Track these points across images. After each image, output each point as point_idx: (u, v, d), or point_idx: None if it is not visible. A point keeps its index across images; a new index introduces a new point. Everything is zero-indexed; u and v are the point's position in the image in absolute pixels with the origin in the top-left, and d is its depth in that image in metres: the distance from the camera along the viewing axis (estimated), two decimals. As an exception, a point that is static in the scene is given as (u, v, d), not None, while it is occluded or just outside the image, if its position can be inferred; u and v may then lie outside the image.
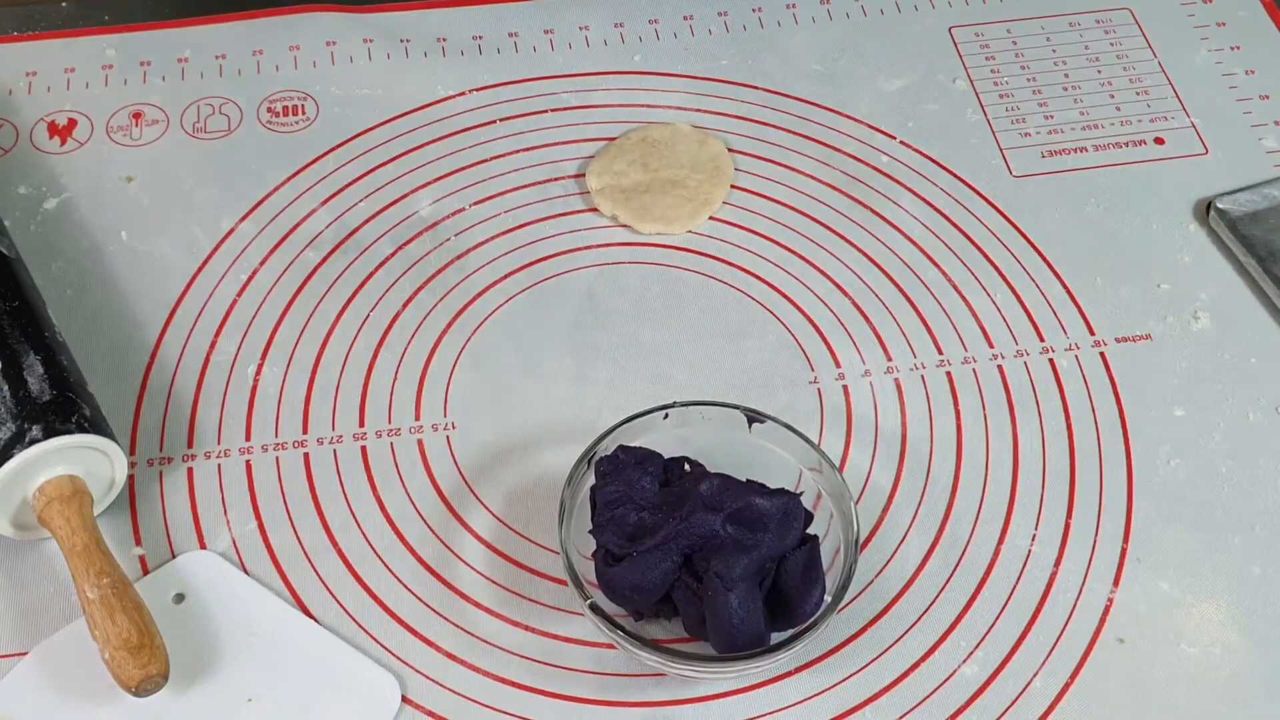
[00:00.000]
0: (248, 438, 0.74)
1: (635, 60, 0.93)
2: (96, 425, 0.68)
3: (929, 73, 0.92)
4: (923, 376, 0.77)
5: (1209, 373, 0.78)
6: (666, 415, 0.69)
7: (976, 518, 0.72)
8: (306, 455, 0.74)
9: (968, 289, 0.81)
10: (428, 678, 0.66)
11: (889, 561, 0.70)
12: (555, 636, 0.68)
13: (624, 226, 0.84)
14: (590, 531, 0.66)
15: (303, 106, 0.89)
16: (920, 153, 0.88)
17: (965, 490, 0.73)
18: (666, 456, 0.68)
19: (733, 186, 0.86)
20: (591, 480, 0.67)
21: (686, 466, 0.68)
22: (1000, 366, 0.78)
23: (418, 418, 0.75)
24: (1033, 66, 0.93)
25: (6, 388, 0.68)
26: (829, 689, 0.66)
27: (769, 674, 0.66)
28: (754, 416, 0.69)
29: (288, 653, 0.66)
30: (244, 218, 0.83)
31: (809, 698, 0.66)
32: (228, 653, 0.66)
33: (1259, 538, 0.71)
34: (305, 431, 0.75)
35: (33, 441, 0.66)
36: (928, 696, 0.66)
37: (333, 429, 0.75)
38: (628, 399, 0.76)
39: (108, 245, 0.82)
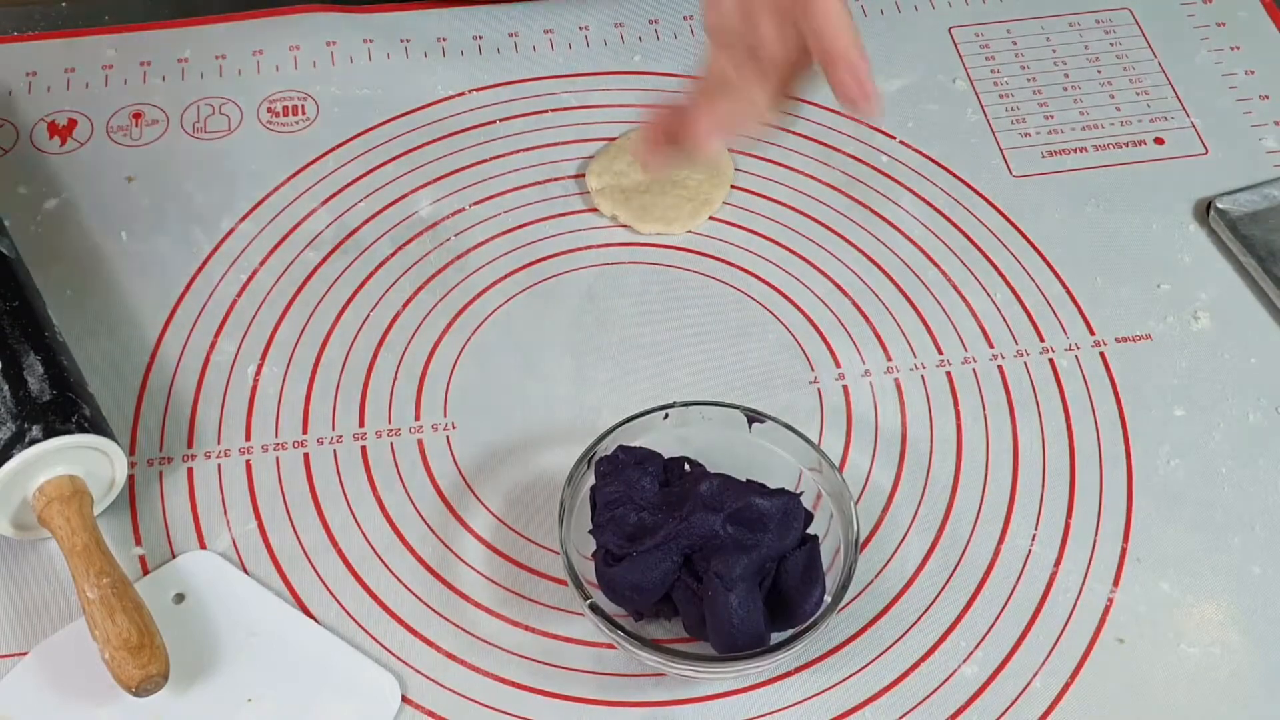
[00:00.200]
0: (248, 438, 0.74)
1: (635, 60, 0.93)
2: (96, 425, 0.68)
3: (929, 73, 0.92)
4: (923, 376, 0.77)
5: (1209, 373, 0.78)
6: (666, 415, 0.69)
7: (976, 518, 0.72)
8: (306, 455, 0.74)
9: (968, 289, 0.81)
10: (428, 678, 0.66)
11: (889, 561, 0.70)
12: (555, 636, 0.68)
13: (624, 226, 0.84)
14: (590, 531, 0.66)
15: (303, 106, 0.89)
16: (920, 153, 0.88)
17: (965, 490, 0.73)
18: (666, 456, 0.68)
19: (733, 186, 0.86)
20: (591, 480, 0.67)
21: (686, 467, 0.68)
22: (1000, 366, 0.78)
23: (418, 418, 0.75)
24: (1033, 66, 0.93)
25: (6, 388, 0.68)
26: (829, 689, 0.66)
27: (769, 674, 0.66)
28: (754, 416, 0.69)
29: (288, 653, 0.66)
30: (244, 218, 0.83)
31: (809, 698, 0.66)
32: (228, 653, 0.66)
33: (1259, 538, 0.71)
34: (305, 431, 0.75)
35: (33, 441, 0.66)
36: (928, 696, 0.66)
37: (333, 429, 0.75)
38: (628, 399, 0.76)
39: (108, 245, 0.82)
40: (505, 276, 0.81)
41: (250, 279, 0.81)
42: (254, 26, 0.93)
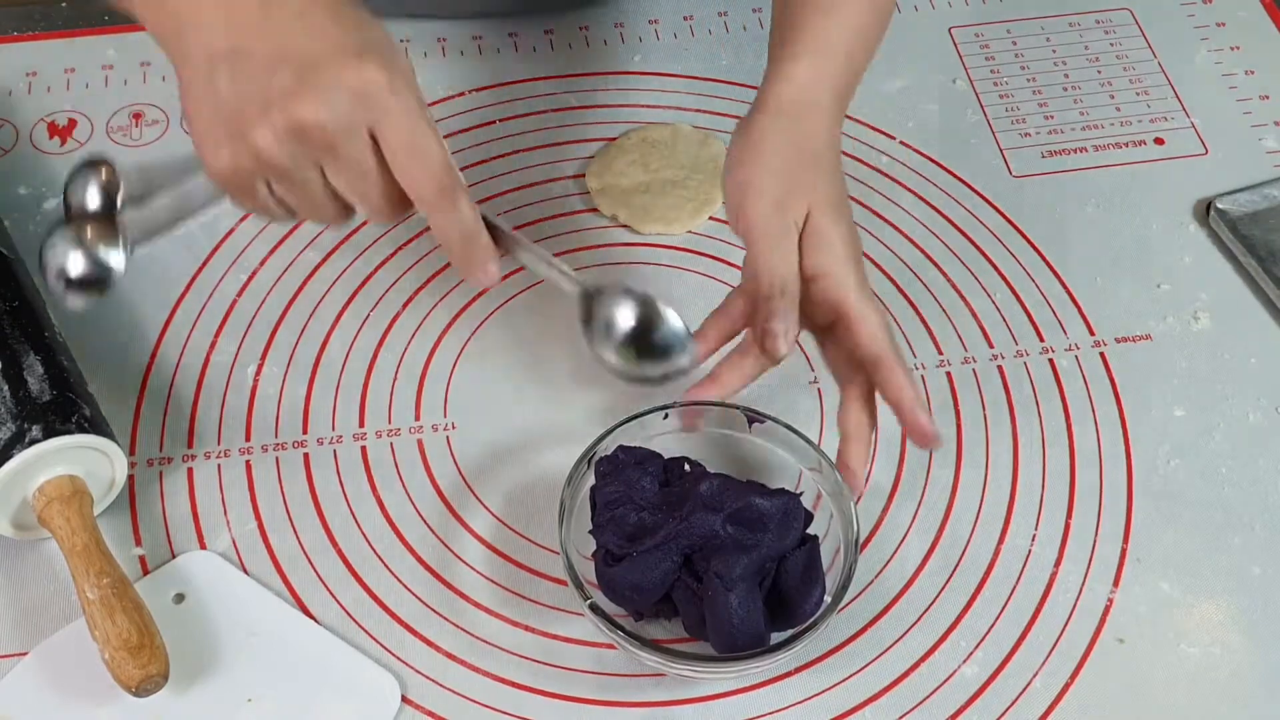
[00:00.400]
0: (248, 438, 0.74)
1: (635, 60, 0.93)
2: (96, 425, 0.68)
3: (929, 73, 0.92)
4: (923, 376, 0.77)
5: (1209, 373, 0.78)
6: (666, 415, 0.69)
7: (976, 518, 0.72)
8: (306, 455, 0.74)
9: (968, 289, 0.81)
10: (427, 678, 0.66)
11: (889, 562, 0.70)
12: (555, 637, 0.68)
13: (624, 226, 0.84)
14: (590, 531, 0.66)
15: (303, 106, 0.89)
16: (920, 153, 0.88)
17: (965, 490, 0.73)
18: (666, 457, 0.68)
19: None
20: (591, 480, 0.67)
21: (686, 466, 0.68)
22: (1000, 367, 0.78)
23: (418, 418, 0.75)
24: (1033, 66, 0.93)
25: (6, 388, 0.68)
26: (829, 689, 0.66)
27: (769, 674, 0.66)
28: (754, 416, 0.69)
29: (287, 653, 0.66)
30: (244, 218, 0.83)
31: (809, 698, 0.66)
32: (228, 653, 0.66)
33: (1259, 538, 0.71)
34: (305, 432, 0.74)
35: (33, 441, 0.66)
36: (928, 697, 0.66)
37: (333, 429, 0.75)
38: (627, 399, 0.76)
39: (108, 245, 0.82)
40: (505, 277, 0.81)
41: (250, 279, 0.81)
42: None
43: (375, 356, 0.78)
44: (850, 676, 0.67)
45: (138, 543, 0.70)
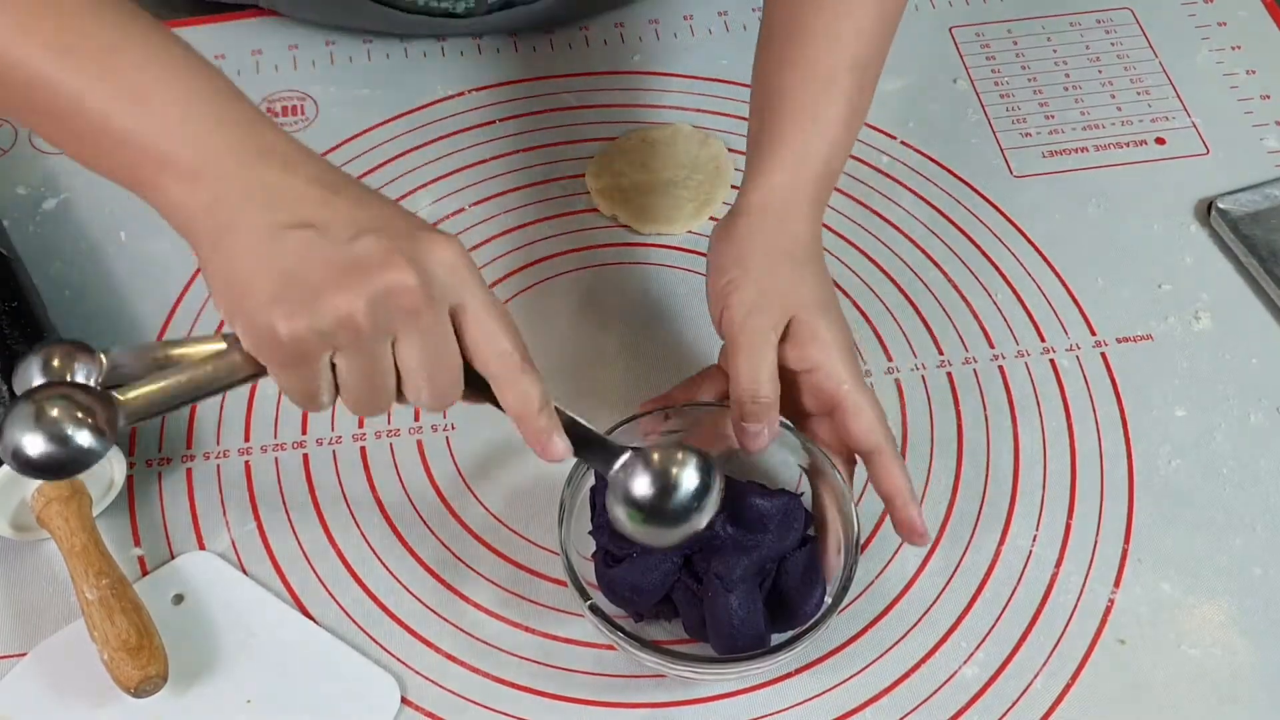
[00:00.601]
0: (246, 438, 0.74)
1: (635, 60, 0.93)
2: (95, 426, 0.68)
3: (929, 73, 0.92)
4: (923, 377, 0.77)
5: (1210, 373, 0.77)
6: (667, 416, 0.69)
7: (977, 518, 0.72)
8: (305, 456, 0.73)
9: (968, 289, 0.81)
10: (427, 679, 0.66)
11: (889, 562, 0.70)
12: (555, 637, 0.67)
13: (624, 226, 0.84)
14: (590, 532, 0.66)
15: (302, 106, 0.89)
16: (920, 153, 0.88)
17: (965, 491, 0.73)
18: None
19: (733, 187, 0.85)
20: (592, 481, 0.67)
21: None
22: (1001, 367, 0.78)
23: (417, 418, 0.75)
24: (1033, 66, 0.93)
25: (5, 388, 0.68)
26: (830, 689, 0.66)
27: (769, 675, 0.66)
28: None
29: (287, 654, 0.66)
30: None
31: (810, 699, 0.66)
32: (227, 654, 0.66)
33: (1260, 538, 0.71)
34: (304, 432, 0.74)
35: (32, 442, 0.66)
36: (928, 697, 0.66)
37: (332, 429, 0.74)
38: (627, 399, 0.76)
39: (107, 245, 0.82)
40: (505, 276, 0.81)
41: (250, 279, 0.80)
42: (253, 26, 0.93)
43: (375, 357, 0.78)
44: (851, 677, 0.66)
45: (137, 543, 0.70)
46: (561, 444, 0.59)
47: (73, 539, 0.65)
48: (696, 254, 0.83)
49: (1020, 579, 0.70)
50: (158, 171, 0.54)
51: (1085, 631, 0.68)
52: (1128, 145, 0.88)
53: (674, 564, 0.64)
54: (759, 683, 0.66)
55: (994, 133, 0.89)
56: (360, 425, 0.75)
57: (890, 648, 0.67)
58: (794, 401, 0.67)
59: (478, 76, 0.91)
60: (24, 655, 0.65)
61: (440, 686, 0.66)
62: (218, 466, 0.73)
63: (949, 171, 0.87)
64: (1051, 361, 0.78)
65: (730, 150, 0.87)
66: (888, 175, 0.86)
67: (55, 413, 0.51)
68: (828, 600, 0.64)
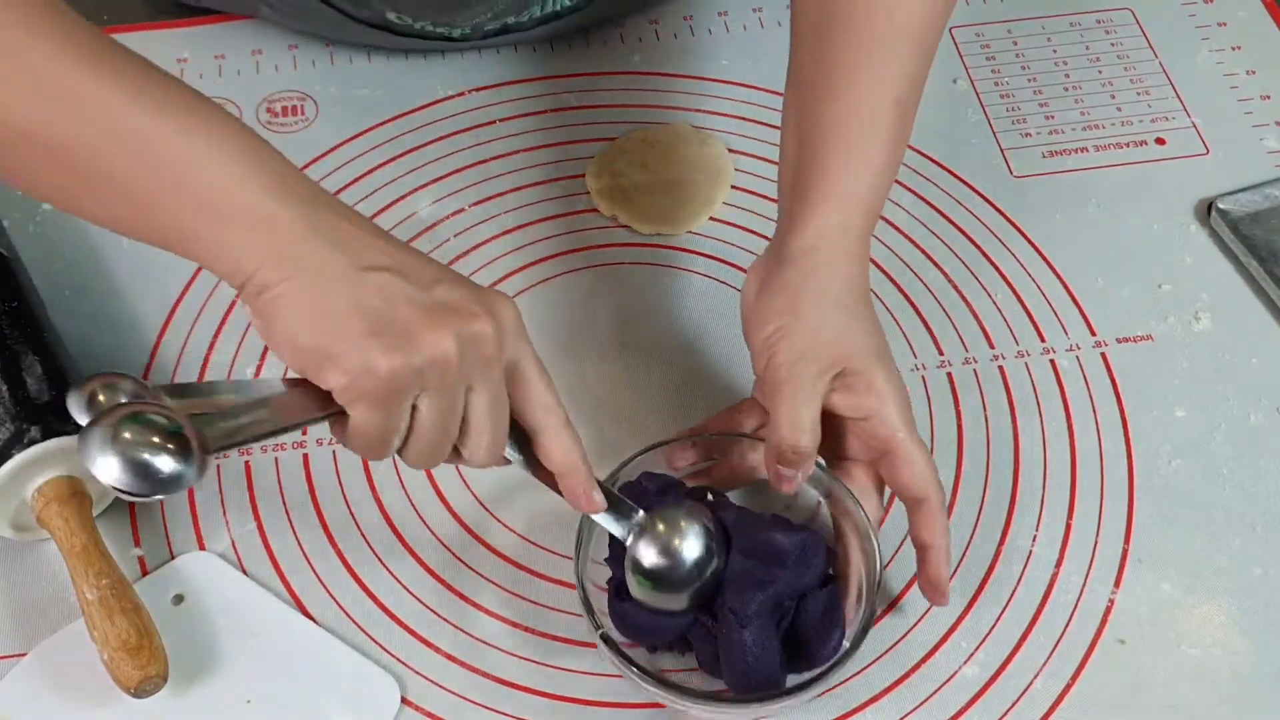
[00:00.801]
0: (247, 438, 0.74)
1: (635, 60, 0.93)
2: (95, 426, 0.68)
3: (930, 72, 0.92)
4: (923, 377, 0.77)
5: (1210, 373, 0.77)
6: (694, 443, 0.68)
7: (977, 518, 0.72)
8: (305, 456, 0.73)
9: (968, 289, 0.81)
10: (427, 679, 0.66)
11: (890, 562, 0.70)
12: (555, 638, 0.67)
13: (624, 226, 0.84)
14: (604, 561, 0.65)
15: (302, 107, 0.89)
16: (920, 153, 0.88)
17: (966, 491, 0.73)
18: (690, 485, 0.66)
19: (733, 187, 0.86)
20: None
21: (709, 496, 0.66)
22: (1001, 367, 0.78)
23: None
24: (1033, 66, 0.93)
25: (5, 388, 0.68)
26: (830, 690, 0.66)
27: (782, 715, 0.65)
28: None
29: (287, 654, 0.66)
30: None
31: (810, 699, 0.66)
32: (227, 654, 0.66)
33: (1260, 538, 0.71)
34: (304, 433, 0.74)
35: (31, 442, 0.66)
36: (929, 697, 0.66)
37: (332, 430, 0.74)
38: (627, 399, 0.76)
39: (107, 246, 0.82)
40: (505, 277, 0.81)
41: (250, 279, 0.80)
42: (253, 26, 0.93)
43: (375, 357, 0.77)
44: (851, 677, 0.66)
45: (137, 543, 0.70)
46: (599, 497, 0.61)
47: (73, 539, 0.65)
48: (696, 254, 0.83)
49: (1020, 579, 0.70)
50: (217, 217, 0.53)
51: (1085, 631, 0.68)
52: (1128, 145, 0.88)
53: (689, 608, 0.62)
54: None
55: (994, 133, 0.89)
56: (360, 425, 0.75)
57: (890, 647, 0.67)
58: (836, 445, 0.66)
59: (478, 76, 0.91)
60: (24, 655, 0.65)
61: (440, 686, 0.66)
62: (218, 466, 0.73)
63: (949, 171, 0.87)
64: (1051, 362, 0.78)
65: (730, 150, 0.87)
66: (888, 175, 0.86)
67: (129, 435, 0.50)
68: (846, 644, 0.63)
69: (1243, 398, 0.76)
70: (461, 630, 0.68)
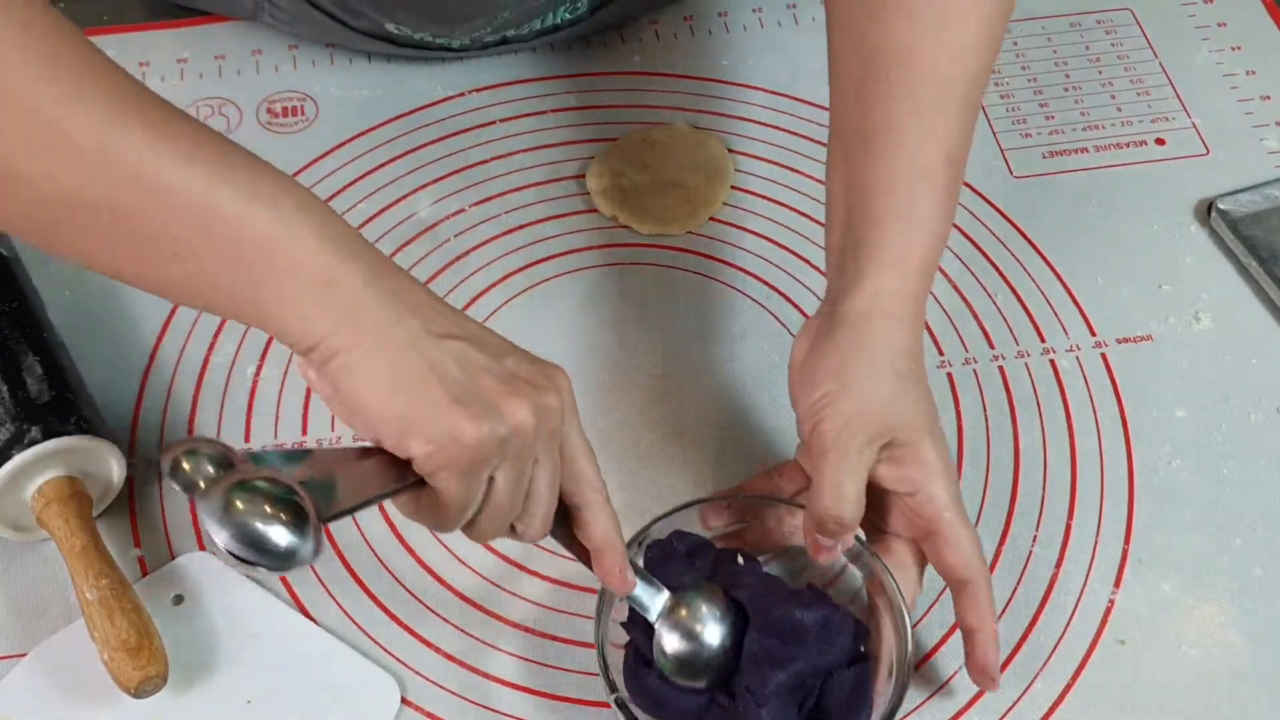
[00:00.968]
0: (247, 439, 0.74)
1: (635, 60, 0.93)
2: (95, 426, 0.68)
3: (929, 73, 0.92)
4: (923, 377, 0.77)
5: (1210, 374, 0.77)
6: (730, 504, 0.67)
7: (977, 519, 0.72)
8: (306, 456, 0.73)
9: (968, 289, 0.81)
10: (427, 679, 0.66)
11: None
12: (555, 638, 0.67)
13: (624, 227, 0.84)
14: (623, 624, 0.63)
15: (302, 107, 0.89)
16: (921, 153, 0.87)
17: (966, 491, 0.72)
18: (721, 545, 0.65)
19: (733, 187, 0.86)
20: (639, 562, 0.64)
21: (739, 559, 0.64)
22: (1001, 367, 0.78)
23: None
24: (1033, 66, 0.93)
25: (5, 389, 0.67)
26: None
27: None
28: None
29: (287, 655, 0.66)
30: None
31: (809, 699, 0.66)
32: (227, 654, 0.66)
33: (1260, 538, 0.71)
34: (304, 433, 0.74)
35: (32, 442, 0.66)
36: (929, 698, 0.66)
37: (332, 430, 0.74)
38: (628, 400, 0.76)
39: (107, 246, 0.81)
40: (505, 277, 0.81)
41: (250, 279, 0.80)
42: (254, 26, 0.93)
43: (375, 357, 0.77)
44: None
45: (137, 544, 0.70)
46: (632, 578, 0.60)
47: (73, 539, 0.65)
48: (696, 254, 0.83)
49: (1020, 579, 0.70)
50: (284, 280, 0.51)
51: (1085, 631, 0.68)
52: (1128, 145, 0.88)
53: (706, 692, 0.61)
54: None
55: (994, 133, 0.89)
56: (360, 425, 0.75)
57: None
58: (877, 517, 0.64)
59: (478, 77, 0.91)
60: (24, 655, 0.65)
61: (440, 686, 0.66)
62: (218, 467, 0.73)
63: (949, 172, 0.87)
64: (1051, 362, 0.78)
65: (730, 150, 0.87)
66: (888, 175, 0.86)
67: (243, 505, 0.48)
68: None
69: (1243, 398, 0.76)
70: (461, 630, 0.68)
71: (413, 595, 0.69)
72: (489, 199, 0.85)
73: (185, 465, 0.49)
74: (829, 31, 0.69)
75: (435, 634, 0.67)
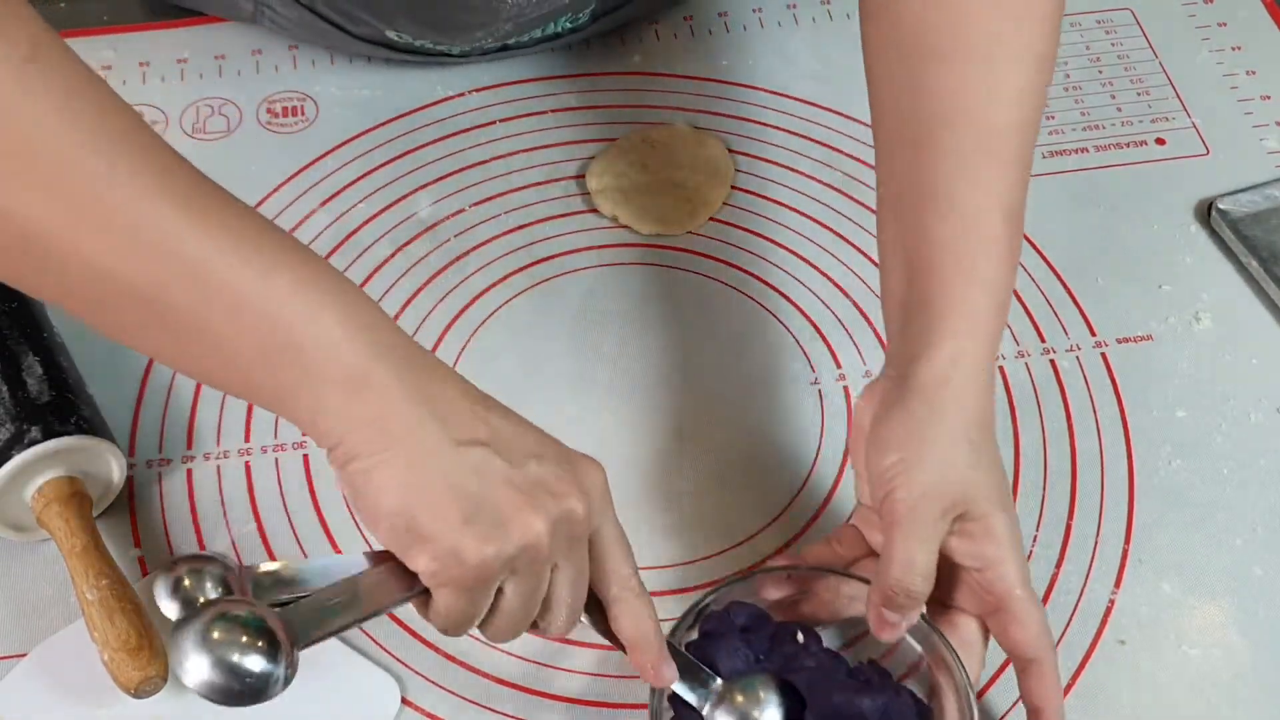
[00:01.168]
0: (247, 439, 0.74)
1: (635, 60, 0.93)
2: (95, 426, 0.68)
3: (929, 73, 0.92)
4: (923, 377, 0.77)
5: (1210, 374, 0.77)
6: (789, 575, 0.64)
7: (977, 519, 0.72)
8: (306, 457, 0.73)
9: (968, 289, 0.81)
10: (427, 679, 0.66)
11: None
12: (554, 638, 0.67)
13: (624, 227, 0.84)
14: (669, 699, 0.61)
15: (302, 107, 0.89)
16: (921, 153, 0.87)
17: (966, 491, 0.73)
18: (779, 618, 0.64)
19: (733, 187, 0.86)
20: (693, 635, 0.62)
21: (799, 636, 0.63)
22: (1001, 367, 0.78)
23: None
24: (1033, 66, 0.93)
25: (5, 389, 0.67)
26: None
27: None
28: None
29: (287, 654, 0.66)
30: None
31: (809, 699, 0.66)
32: (227, 654, 0.66)
33: (1260, 539, 0.71)
34: (304, 433, 0.74)
35: (31, 443, 0.66)
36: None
37: (332, 431, 0.74)
38: (627, 401, 0.76)
39: (107, 246, 0.81)
40: (505, 277, 0.81)
41: (250, 279, 0.80)
42: (253, 27, 0.93)
43: (375, 357, 0.77)
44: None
45: (137, 544, 0.70)
46: (669, 671, 0.59)
47: (73, 539, 0.65)
48: (696, 254, 0.83)
49: (1020, 579, 0.70)
50: (314, 377, 0.51)
51: (1086, 632, 0.68)
52: (1128, 145, 0.88)
53: None
54: None
55: (994, 133, 0.89)
56: (360, 426, 0.75)
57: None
58: (943, 592, 0.62)
59: (478, 77, 0.91)
60: (24, 655, 0.65)
61: (440, 686, 0.66)
62: (218, 467, 0.73)
63: (949, 172, 0.87)
64: (1051, 362, 0.78)
65: (730, 150, 0.87)
66: (888, 175, 0.86)
67: (218, 635, 0.49)
68: None
69: (1243, 398, 0.76)
70: (461, 630, 0.68)
71: (413, 595, 0.69)
72: (489, 199, 0.85)
73: (186, 583, 0.53)
74: (869, 77, 0.68)
75: (435, 634, 0.67)
